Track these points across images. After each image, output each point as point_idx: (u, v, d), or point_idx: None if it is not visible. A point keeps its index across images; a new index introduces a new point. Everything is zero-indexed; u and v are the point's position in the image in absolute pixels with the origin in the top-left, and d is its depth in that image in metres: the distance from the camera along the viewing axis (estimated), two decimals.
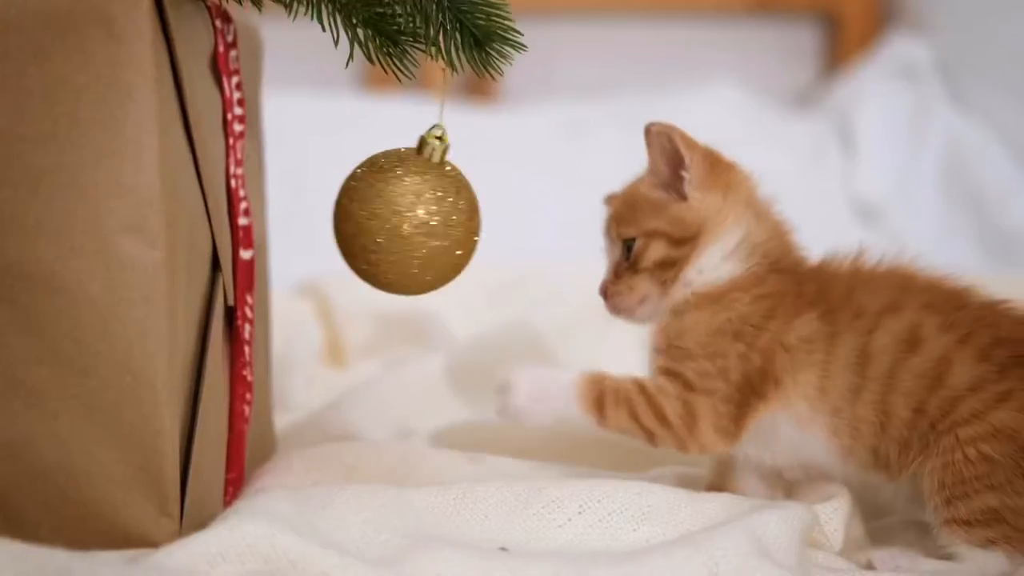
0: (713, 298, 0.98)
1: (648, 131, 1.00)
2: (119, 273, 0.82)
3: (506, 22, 0.87)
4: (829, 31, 2.53)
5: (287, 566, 0.76)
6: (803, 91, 2.51)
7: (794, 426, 0.96)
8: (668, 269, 0.99)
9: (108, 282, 0.82)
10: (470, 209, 0.89)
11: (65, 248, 0.82)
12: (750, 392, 0.95)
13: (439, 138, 0.89)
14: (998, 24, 2.19)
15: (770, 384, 0.95)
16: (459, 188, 0.89)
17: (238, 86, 0.96)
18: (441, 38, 0.86)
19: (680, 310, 0.99)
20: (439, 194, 0.87)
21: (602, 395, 0.95)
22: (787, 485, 1.03)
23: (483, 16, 0.86)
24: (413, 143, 0.90)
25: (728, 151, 1.03)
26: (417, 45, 0.87)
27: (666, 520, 0.89)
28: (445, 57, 0.86)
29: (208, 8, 0.93)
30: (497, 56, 0.87)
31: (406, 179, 0.87)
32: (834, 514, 0.94)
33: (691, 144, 0.99)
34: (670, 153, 0.99)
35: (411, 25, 0.87)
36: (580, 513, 0.89)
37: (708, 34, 2.48)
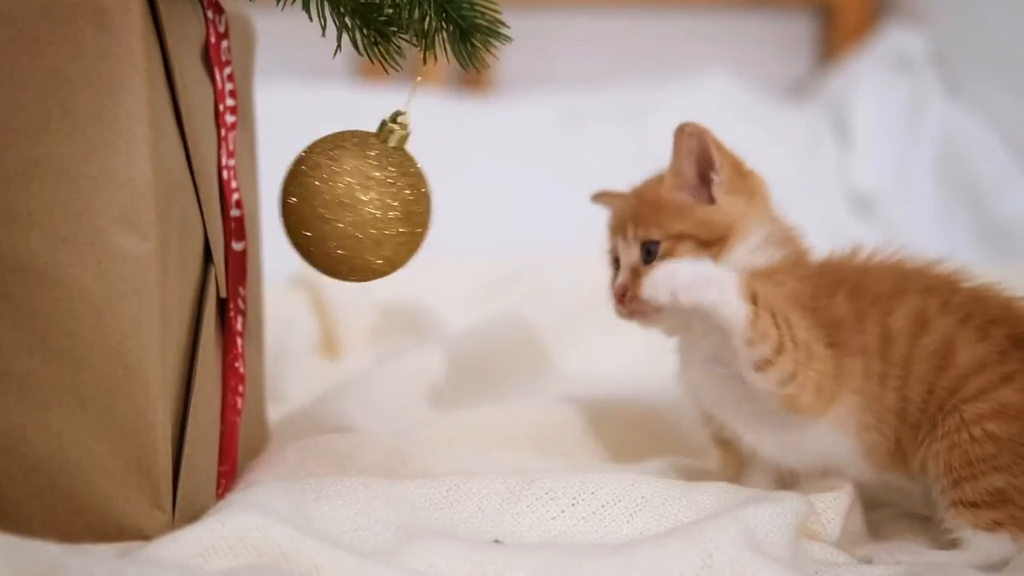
0: (762, 275, 0.96)
1: (680, 131, 0.98)
2: (111, 265, 0.82)
3: (492, 14, 0.86)
4: (824, 22, 2.52)
5: (280, 558, 0.76)
6: (798, 82, 2.51)
7: (830, 422, 0.95)
8: None
9: (100, 274, 0.82)
10: (415, 199, 0.87)
11: (57, 240, 0.82)
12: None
13: (397, 123, 0.87)
14: (993, 15, 2.19)
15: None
16: (406, 174, 0.87)
17: (230, 77, 0.96)
18: (427, 27, 0.85)
19: None
20: (380, 176, 0.86)
21: (756, 294, 0.91)
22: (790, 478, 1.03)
23: (468, 8, 0.85)
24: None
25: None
26: (403, 36, 0.87)
27: (660, 512, 0.89)
28: (430, 47, 0.85)
29: None
30: (482, 48, 0.86)
31: (351, 158, 0.86)
32: (832, 503, 0.94)
33: (722, 148, 0.99)
34: (700, 155, 0.98)
35: (399, 17, 0.86)
36: (573, 505, 0.89)
37: (703, 25, 2.48)
